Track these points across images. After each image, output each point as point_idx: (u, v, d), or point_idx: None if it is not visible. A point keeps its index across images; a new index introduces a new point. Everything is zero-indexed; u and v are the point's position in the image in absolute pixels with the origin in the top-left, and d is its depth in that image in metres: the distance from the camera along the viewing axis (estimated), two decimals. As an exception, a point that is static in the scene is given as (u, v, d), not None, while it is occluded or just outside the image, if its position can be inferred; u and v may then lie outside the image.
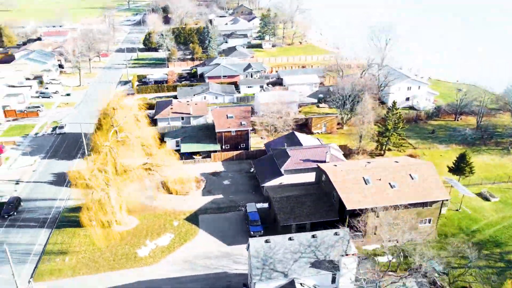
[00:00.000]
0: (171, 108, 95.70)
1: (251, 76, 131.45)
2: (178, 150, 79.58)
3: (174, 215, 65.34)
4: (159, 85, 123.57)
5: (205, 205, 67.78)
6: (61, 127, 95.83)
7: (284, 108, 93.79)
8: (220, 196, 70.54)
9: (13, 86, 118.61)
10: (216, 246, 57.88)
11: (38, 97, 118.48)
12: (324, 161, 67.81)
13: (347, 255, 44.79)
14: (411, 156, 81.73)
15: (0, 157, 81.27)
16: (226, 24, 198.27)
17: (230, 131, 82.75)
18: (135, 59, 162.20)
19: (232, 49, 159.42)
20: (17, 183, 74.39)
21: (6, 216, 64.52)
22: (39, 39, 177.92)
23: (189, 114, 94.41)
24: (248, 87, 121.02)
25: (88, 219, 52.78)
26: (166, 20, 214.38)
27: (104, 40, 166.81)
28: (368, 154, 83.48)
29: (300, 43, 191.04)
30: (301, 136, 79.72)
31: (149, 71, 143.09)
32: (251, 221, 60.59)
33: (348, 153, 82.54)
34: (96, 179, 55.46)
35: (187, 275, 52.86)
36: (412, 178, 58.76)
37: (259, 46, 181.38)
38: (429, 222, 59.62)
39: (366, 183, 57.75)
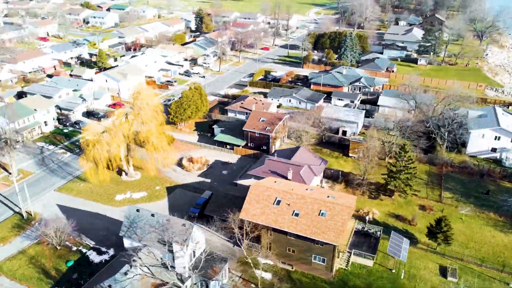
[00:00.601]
0: (242, 103, 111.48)
1: (355, 90, 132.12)
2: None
3: (163, 181, 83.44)
4: (270, 82, 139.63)
5: (190, 183, 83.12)
6: (168, 100, 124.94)
7: (339, 124, 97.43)
8: (208, 180, 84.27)
9: (170, 63, 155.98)
10: (160, 211, 73.38)
11: (183, 75, 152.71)
12: (286, 177, 72.63)
13: (179, 243, 54.11)
14: (423, 207, 75.17)
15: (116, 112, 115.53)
16: (396, 34, 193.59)
17: (255, 132, 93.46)
18: (285, 56, 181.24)
19: (370, 61, 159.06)
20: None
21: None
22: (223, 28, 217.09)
23: (250, 110, 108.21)
24: (339, 99, 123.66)
25: (85, 162, 76.53)
26: (349, 23, 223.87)
27: (269, 34, 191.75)
28: (373, 189, 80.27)
29: (467, 65, 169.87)
30: (303, 151, 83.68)
31: (279, 68, 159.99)
32: (195, 204, 73.19)
33: (349, 179, 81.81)
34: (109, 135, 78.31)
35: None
36: (320, 214, 59.36)
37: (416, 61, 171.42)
38: (323, 262, 59.19)
39: (274, 203, 62.07)
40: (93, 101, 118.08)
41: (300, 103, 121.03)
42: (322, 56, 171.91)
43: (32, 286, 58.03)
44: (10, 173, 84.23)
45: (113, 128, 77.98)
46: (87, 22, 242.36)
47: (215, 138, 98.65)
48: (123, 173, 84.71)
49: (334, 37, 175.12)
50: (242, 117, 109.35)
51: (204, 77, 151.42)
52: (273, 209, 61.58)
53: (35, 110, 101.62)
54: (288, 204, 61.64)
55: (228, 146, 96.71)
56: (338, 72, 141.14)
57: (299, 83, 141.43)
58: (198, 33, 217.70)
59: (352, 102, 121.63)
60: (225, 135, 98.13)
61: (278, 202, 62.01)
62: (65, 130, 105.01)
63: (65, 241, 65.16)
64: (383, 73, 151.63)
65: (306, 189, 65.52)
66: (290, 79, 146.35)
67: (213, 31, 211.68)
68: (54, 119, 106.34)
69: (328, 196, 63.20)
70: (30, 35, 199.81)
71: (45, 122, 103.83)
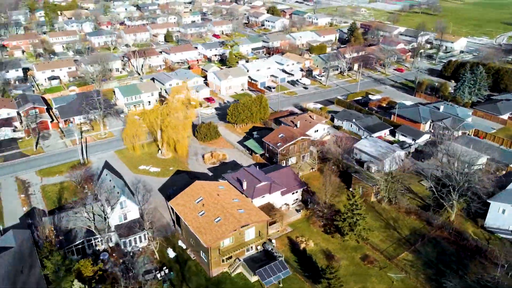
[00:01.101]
0: (294, 118, 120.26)
1: (433, 129, 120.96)
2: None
3: (180, 165, 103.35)
4: (361, 103, 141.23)
5: (196, 172, 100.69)
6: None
7: (368, 158, 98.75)
8: (210, 174, 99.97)
9: (285, 71, 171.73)
10: (157, 185, 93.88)
11: (289, 83, 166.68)
12: (242, 190, 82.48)
13: (108, 204, 73.72)
14: (367, 258, 74.43)
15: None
16: None
17: (269, 145, 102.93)
18: (410, 80, 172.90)
19: (494, 101, 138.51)
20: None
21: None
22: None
23: (296, 126, 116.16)
24: (402, 134, 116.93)
25: (129, 141, 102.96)
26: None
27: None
28: (331, 224, 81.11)
29: None
30: (287, 172, 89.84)
31: (391, 92, 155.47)
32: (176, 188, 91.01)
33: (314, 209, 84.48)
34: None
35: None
36: (216, 220, 69.21)
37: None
38: (205, 258, 69.02)
39: (196, 201, 74.68)
40: (195, 92, 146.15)
41: (359, 130, 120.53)
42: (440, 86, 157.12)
43: (47, 204, 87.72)
44: (100, 132, 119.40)
45: (144, 115, 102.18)
46: (262, 25, 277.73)
47: (244, 142, 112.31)
48: (159, 151, 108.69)
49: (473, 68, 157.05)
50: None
51: (307, 88, 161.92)
52: (192, 204, 74.50)
53: (142, 91, 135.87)
54: (203, 205, 73.38)
55: (249, 152, 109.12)
56: (435, 107, 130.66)
57: (382, 111, 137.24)
58: (345, 45, 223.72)
59: (414, 140, 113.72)
60: (253, 141, 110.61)
61: (199, 201, 74.38)
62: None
63: (83, 185, 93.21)
64: (500, 118, 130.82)
65: (233, 199, 75.20)
66: (383, 105, 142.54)
67: (362, 45, 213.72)
68: (156, 100, 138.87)
69: (239, 210, 71.80)
70: (208, 31, 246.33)
71: (148, 101, 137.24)
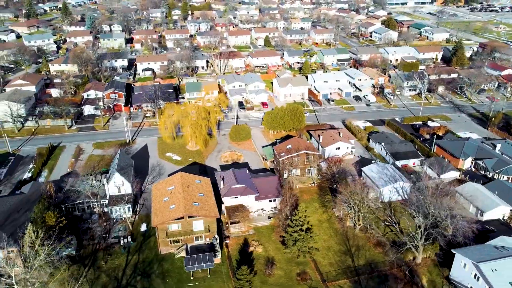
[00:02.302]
0: (322, 132, 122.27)
1: (475, 167, 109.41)
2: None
3: (198, 158, 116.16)
4: (416, 128, 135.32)
5: (209, 165, 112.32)
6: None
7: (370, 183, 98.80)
8: (218, 169, 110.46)
9: (355, 86, 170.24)
10: (169, 171, 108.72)
11: (354, 97, 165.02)
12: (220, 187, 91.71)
13: (107, 181, 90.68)
14: (303, 275, 77.42)
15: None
16: None
17: (276, 154, 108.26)
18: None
19: None
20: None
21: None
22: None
23: (320, 142, 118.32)
24: (429, 166, 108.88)
25: (164, 131, 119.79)
26: None
27: None
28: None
29: None
30: (272, 180, 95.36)
31: (461, 123, 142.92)
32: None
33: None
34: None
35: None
36: (170, 207, 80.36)
37: None
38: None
39: (168, 188, 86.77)
40: (254, 95, 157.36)
41: (386, 154, 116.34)
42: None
43: (83, 169, 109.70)
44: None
45: (177, 111, 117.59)
46: (370, 35, 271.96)
47: (262, 147, 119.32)
48: (190, 143, 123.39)
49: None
50: (315, 141, 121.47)
51: (369, 105, 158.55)
52: (164, 190, 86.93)
53: (203, 89, 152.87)
54: (171, 192, 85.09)
55: (264, 157, 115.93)
56: (492, 144, 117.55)
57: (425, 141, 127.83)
58: (445, 65, 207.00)
59: (438, 175, 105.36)
60: (270, 148, 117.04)
61: (171, 189, 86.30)
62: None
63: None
64: None
65: (198, 193, 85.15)
66: (438, 133, 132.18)
67: (469, 67, 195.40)
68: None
69: (195, 203, 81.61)
70: (309, 38, 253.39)
71: (208, 99, 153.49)
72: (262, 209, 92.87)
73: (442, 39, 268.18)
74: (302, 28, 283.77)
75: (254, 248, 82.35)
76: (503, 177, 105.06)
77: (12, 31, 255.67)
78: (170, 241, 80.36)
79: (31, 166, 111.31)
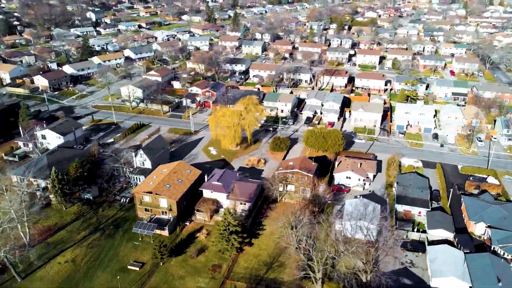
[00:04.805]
0: (349, 156, 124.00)
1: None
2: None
3: (231, 157, 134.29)
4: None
5: (231, 164, 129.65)
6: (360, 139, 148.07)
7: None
8: (235, 169, 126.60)
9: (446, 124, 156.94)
10: (201, 161, 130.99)
11: (433, 136, 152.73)
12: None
13: (129, 159, 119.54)
14: (217, 268, 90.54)
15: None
16: None
17: (281, 168, 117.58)
18: None
19: None
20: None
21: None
22: None
23: (333, 166, 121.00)
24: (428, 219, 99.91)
25: (213, 129, 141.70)
26: None
27: None
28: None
29: None
30: (251, 186, 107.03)
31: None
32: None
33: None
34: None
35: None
36: (165, 186, 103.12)
37: None
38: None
39: (162, 171, 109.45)
40: (326, 114, 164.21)
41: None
42: None
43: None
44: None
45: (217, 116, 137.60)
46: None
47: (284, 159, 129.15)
48: (231, 143, 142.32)
49: None
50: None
51: (443, 146, 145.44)
52: (160, 171, 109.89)
53: (278, 101, 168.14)
54: (161, 173, 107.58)
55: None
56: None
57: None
58: None
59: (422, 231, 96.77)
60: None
61: (164, 171, 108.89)
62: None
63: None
64: None
65: (177, 179, 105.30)
66: (491, 192, 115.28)
67: None
68: (288, 111, 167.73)
69: (167, 185, 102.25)
70: (448, 65, 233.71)
71: (281, 110, 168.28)
72: (233, 208, 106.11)
73: None
74: (452, 55, 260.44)
75: (200, 235, 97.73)
76: (504, 253, 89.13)
77: (189, 31, 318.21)
78: (144, 209, 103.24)
79: (118, 135, 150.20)
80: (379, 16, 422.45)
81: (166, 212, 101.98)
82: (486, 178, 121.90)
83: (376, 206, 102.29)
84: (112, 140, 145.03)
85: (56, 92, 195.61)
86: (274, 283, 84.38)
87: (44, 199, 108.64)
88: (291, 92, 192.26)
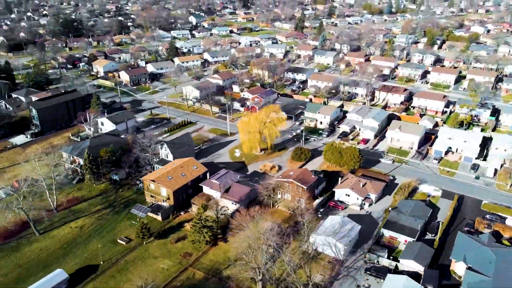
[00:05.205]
0: (356, 174, 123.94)
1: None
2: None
3: (251, 161, 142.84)
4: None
5: (248, 167, 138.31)
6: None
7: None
8: (248, 172, 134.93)
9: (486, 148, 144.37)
10: (220, 160, 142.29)
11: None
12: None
13: (150, 151, 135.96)
14: (187, 256, 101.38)
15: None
16: None
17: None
18: None
19: None
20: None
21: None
22: None
23: (339, 181, 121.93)
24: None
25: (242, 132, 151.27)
26: None
27: None
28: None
29: None
30: (244, 189, 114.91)
31: None
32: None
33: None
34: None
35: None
36: (168, 178, 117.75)
37: None
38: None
39: (170, 167, 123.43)
40: (363, 131, 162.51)
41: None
42: None
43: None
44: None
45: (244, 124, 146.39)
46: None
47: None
48: (259, 149, 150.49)
49: None
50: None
51: (478, 178, 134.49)
52: (171, 164, 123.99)
53: (318, 112, 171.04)
54: (170, 166, 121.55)
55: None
56: None
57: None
58: None
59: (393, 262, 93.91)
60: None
61: (174, 165, 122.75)
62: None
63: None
64: None
65: (181, 174, 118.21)
66: (503, 234, 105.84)
67: None
68: (327, 123, 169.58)
69: (169, 177, 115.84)
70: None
71: (320, 122, 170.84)
72: (226, 206, 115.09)
73: None
74: None
75: (187, 225, 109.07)
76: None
77: (273, 38, 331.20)
78: (150, 195, 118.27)
79: (167, 128, 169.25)
80: (488, 31, 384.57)
81: (165, 200, 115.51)
82: (506, 218, 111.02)
83: (356, 227, 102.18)
84: (157, 132, 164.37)
85: (135, 87, 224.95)
86: (227, 278, 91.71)
87: (82, 175, 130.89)
88: (342, 105, 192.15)
